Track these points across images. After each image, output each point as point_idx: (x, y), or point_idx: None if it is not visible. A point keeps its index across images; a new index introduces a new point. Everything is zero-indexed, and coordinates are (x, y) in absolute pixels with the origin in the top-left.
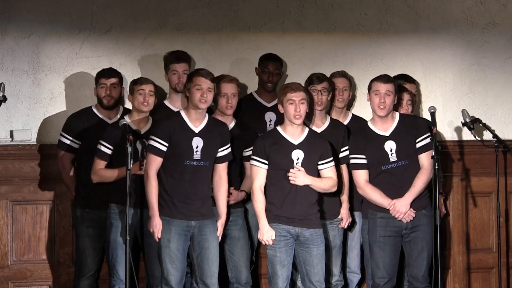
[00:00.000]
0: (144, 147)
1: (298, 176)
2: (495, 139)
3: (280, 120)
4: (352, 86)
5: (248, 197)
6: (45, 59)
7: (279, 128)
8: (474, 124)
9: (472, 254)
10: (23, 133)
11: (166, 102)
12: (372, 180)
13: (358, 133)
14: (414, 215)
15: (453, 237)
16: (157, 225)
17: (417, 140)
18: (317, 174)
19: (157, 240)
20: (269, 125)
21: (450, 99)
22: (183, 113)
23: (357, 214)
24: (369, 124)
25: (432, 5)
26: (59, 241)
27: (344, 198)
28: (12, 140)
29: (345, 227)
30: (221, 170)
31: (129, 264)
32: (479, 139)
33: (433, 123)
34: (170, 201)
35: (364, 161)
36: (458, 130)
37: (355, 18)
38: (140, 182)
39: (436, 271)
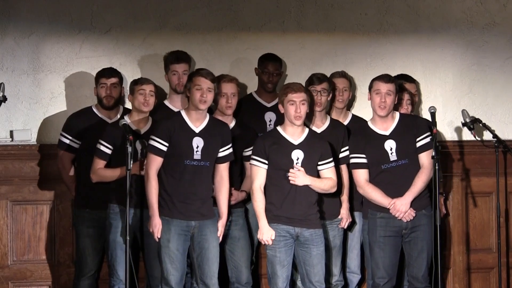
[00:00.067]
0: (143, 147)
1: (298, 176)
2: (495, 139)
3: (280, 120)
4: (352, 86)
5: (249, 197)
6: (45, 59)
7: (279, 128)
8: (474, 124)
9: (472, 254)
10: (23, 133)
11: (166, 102)
12: (372, 180)
13: (358, 133)
14: (414, 215)
15: (453, 237)
16: (156, 225)
17: (417, 139)
18: (317, 175)
19: (157, 240)
20: (269, 125)
21: (450, 99)
22: (183, 113)
23: (357, 214)
24: (369, 123)
25: (432, 5)
26: (59, 241)
27: (344, 198)
28: (12, 140)
29: (345, 227)
30: (223, 170)
31: (129, 264)
32: (479, 139)
33: (433, 123)
34: (170, 201)
35: (364, 161)
36: (458, 130)
37: (355, 18)
38: (140, 182)
39: (436, 271)
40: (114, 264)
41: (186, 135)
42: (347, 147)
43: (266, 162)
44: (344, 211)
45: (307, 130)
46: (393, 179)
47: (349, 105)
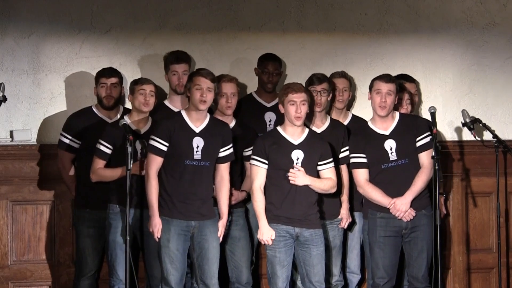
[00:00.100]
0: (143, 147)
1: (298, 176)
2: (495, 139)
3: (280, 120)
4: (352, 86)
5: (249, 197)
6: (45, 59)
7: (279, 128)
8: (474, 124)
9: (472, 254)
10: (23, 133)
11: (166, 102)
12: (372, 179)
13: (358, 133)
14: (414, 214)
15: (453, 237)
16: (156, 225)
17: (417, 139)
18: (317, 175)
19: (157, 240)
20: (269, 125)
21: (450, 99)
22: (184, 113)
23: (357, 214)
24: (369, 123)
25: (432, 5)
26: (59, 241)
27: (344, 198)
28: (12, 140)
29: (345, 227)
30: (223, 170)
31: (129, 264)
32: (479, 139)
33: (433, 123)
34: (170, 201)
35: (364, 160)
36: (458, 130)
37: (355, 18)
38: (140, 182)
39: (436, 271)
40: (114, 264)
41: (186, 135)
42: (347, 147)
43: (266, 162)
44: (344, 211)
45: (307, 130)
46: (393, 179)
47: (349, 105)
